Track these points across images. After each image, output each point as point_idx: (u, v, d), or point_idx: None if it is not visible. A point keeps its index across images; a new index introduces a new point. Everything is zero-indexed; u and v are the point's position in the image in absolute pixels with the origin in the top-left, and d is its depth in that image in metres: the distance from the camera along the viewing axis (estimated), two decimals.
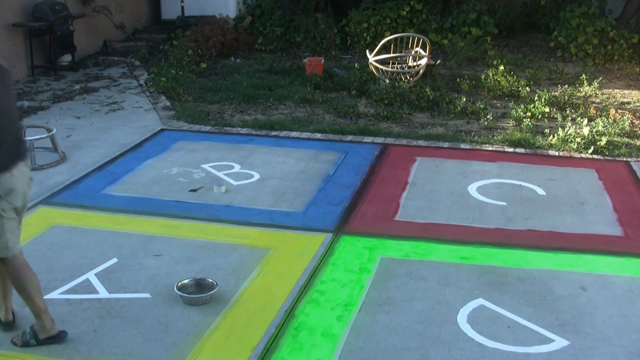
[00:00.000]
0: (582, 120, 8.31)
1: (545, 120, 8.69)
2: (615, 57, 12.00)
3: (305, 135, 8.05)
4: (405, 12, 12.74)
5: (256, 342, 4.06)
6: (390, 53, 10.02)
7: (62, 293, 4.56)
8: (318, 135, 8.03)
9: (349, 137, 7.97)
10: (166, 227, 5.58)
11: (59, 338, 4.01)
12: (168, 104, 9.25)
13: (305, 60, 10.97)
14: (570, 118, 8.60)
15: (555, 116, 8.73)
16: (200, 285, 4.62)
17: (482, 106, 8.99)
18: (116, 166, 6.93)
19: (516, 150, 7.61)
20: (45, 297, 4.47)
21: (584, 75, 10.41)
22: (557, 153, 7.52)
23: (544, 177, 6.77)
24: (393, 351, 4.00)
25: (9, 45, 10.11)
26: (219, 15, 13.33)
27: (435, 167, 6.98)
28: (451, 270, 4.93)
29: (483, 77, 10.20)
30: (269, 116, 8.80)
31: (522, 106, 8.90)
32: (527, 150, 7.61)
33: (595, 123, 8.12)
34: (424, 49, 10.02)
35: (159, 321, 4.27)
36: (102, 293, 4.59)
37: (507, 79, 9.78)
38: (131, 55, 12.20)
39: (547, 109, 8.80)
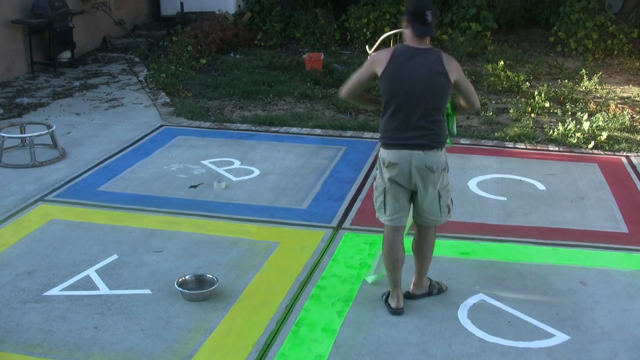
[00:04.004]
0: (582, 115, 8.31)
1: (546, 115, 8.69)
2: (615, 52, 11.99)
3: (305, 130, 8.04)
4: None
5: (257, 338, 4.06)
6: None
7: (62, 289, 4.56)
8: (318, 131, 8.03)
9: (349, 133, 7.96)
10: (166, 223, 5.58)
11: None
12: (168, 100, 9.24)
13: (304, 56, 10.97)
14: (570, 113, 8.60)
15: (555, 111, 8.73)
16: (201, 281, 4.62)
17: (482, 101, 8.99)
18: (116, 162, 6.93)
19: (516, 145, 7.61)
20: (45, 294, 4.50)
21: (583, 70, 10.41)
22: (557, 148, 7.52)
23: (544, 172, 6.77)
24: (394, 346, 4.00)
25: (9, 42, 10.11)
26: (219, 11, 13.32)
27: None
28: (451, 266, 4.93)
29: (483, 72, 10.19)
30: (269, 112, 8.80)
31: (522, 101, 8.89)
32: (527, 145, 7.61)
33: (596, 118, 8.12)
34: None
35: (159, 317, 4.27)
36: (103, 289, 4.59)
37: (507, 74, 9.77)
38: (131, 51, 12.19)
39: (547, 104, 8.80)
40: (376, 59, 4.06)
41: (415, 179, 4.07)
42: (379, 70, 4.01)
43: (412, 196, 4.20)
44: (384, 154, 4.14)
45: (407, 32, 4.06)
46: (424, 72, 3.97)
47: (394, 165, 4.07)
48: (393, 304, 4.32)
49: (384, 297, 4.42)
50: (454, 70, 4.03)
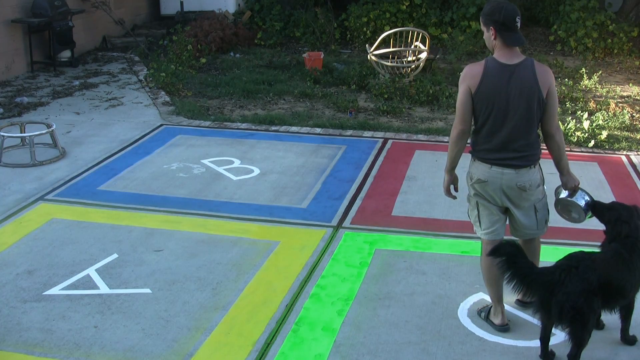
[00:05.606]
0: (582, 113, 8.30)
1: None
2: (615, 51, 11.99)
3: (305, 130, 8.04)
4: (404, 7, 12.72)
5: (257, 337, 4.06)
6: (389, 47, 10.01)
7: (62, 289, 4.57)
8: (318, 130, 8.02)
9: (349, 132, 7.96)
10: (166, 222, 5.58)
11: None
12: (168, 99, 9.24)
13: (304, 55, 10.96)
14: (570, 112, 8.59)
15: None
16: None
17: None
18: (116, 162, 6.93)
19: None
20: (45, 293, 4.50)
21: (583, 69, 10.40)
22: None
23: (544, 171, 6.74)
24: (394, 345, 4.00)
25: (9, 42, 10.11)
26: (218, 10, 13.32)
27: (436, 161, 6.97)
28: (451, 264, 4.93)
29: None
30: (269, 111, 8.80)
31: None
32: None
33: (596, 117, 8.11)
34: (424, 43, 10.00)
35: (159, 316, 4.28)
36: (103, 288, 4.59)
37: None
38: (130, 50, 12.19)
39: None
40: (468, 74, 3.86)
41: (504, 198, 3.97)
42: (473, 87, 3.83)
43: (507, 209, 4.07)
44: (474, 169, 4.08)
45: (494, 43, 3.82)
46: (517, 93, 3.78)
47: (483, 182, 4.01)
48: (497, 321, 4.14)
49: (484, 314, 4.24)
50: (547, 84, 3.81)
